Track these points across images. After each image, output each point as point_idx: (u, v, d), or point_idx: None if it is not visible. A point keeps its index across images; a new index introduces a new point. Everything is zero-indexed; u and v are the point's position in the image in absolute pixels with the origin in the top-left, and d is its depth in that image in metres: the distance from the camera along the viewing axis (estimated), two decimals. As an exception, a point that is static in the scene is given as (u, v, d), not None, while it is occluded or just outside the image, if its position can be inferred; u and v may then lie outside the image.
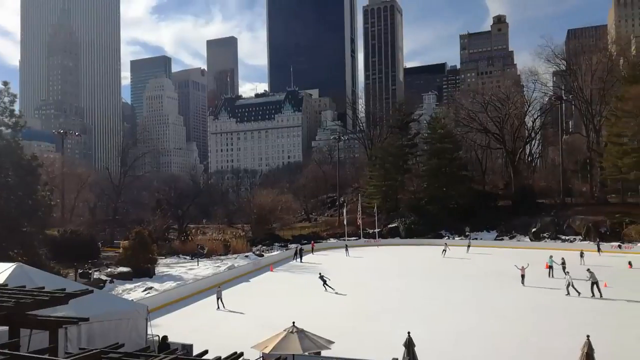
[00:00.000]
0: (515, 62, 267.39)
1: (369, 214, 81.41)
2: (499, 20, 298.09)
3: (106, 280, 40.45)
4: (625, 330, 24.75)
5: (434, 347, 21.92)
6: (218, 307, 31.23)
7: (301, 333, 16.28)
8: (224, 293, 33.11)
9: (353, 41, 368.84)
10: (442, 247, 58.97)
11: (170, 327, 24.15)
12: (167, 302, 32.91)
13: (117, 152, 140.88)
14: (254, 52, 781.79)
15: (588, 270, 33.56)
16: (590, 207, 75.33)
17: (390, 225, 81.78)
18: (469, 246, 61.52)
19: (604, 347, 18.97)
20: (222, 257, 59.07)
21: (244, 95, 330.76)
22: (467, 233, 75.13)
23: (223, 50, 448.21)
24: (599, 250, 54.29)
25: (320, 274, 37.53)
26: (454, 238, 72.82)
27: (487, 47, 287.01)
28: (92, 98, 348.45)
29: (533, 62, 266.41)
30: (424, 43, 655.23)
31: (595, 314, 28.19)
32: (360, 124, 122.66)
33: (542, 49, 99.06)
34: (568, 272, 35.00)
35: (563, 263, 40.89)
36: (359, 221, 76.33)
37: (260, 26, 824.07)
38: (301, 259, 56.43)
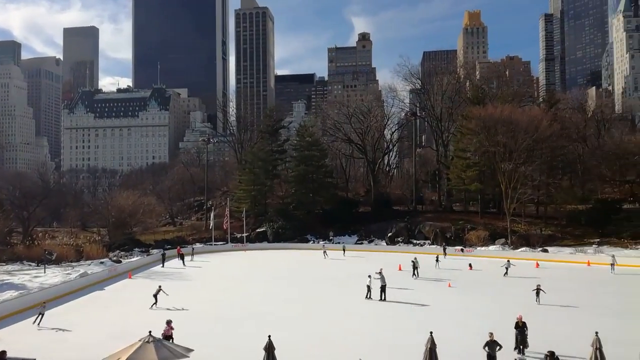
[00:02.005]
0: (377, 78, 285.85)
1: (237, 218, 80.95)
2: (364, 38, 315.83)
3: None
4: (463, 327, 27.68)
5: (294, 350, 22.56)
6: (34, 322, 27.78)
7: (158, 342, 15.64)
8: (75, 303, 30.59)
9: (225, 43, 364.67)
10: (321, 250, 62.83)
11: (10, 341, 21.78)
12: (8, 314, 29.71)
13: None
14: (117, 44, 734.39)
15: (370, 276, 34.96)
16: (438, 214, 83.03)
17: (258, 230, 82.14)
18: (344, 250, 64.15)
19: (445, 342, 21.02)
20: (73, 264, 54.57)
21: (104, 90, 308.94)
22: (330, 237, 78.22)
23: (82, 40, 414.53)
24: (444, 253, 60.03)
25: (159, 287, 33.60)
26: (319, 242, 75.27)
27: (353, 62, 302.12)
28: None
29: (392, 79, 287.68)
30: (294, 52, 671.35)
31: (440, 311, 31.13)
32: (231, 128, 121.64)
33: (401, 67, 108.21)
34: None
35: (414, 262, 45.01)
36: (227, 225, 75.49)
37: (124, 18, 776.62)
38: (163, 264, 54.21)
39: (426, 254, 58.12)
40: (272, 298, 36.23)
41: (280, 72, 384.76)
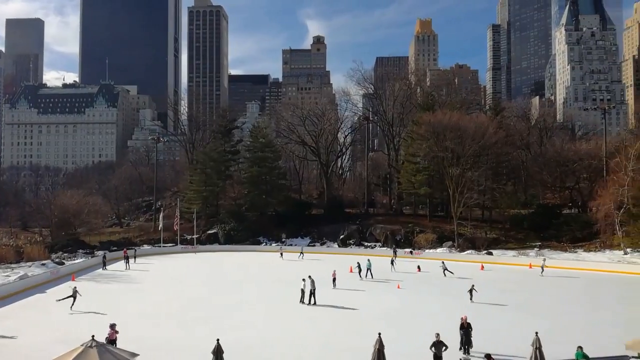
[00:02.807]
0: (331, 82, 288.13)
1: (187, 219, 79.50)
2: (318, 41, 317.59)
3: None
4: (411, 328, 28.36)
5: (243, 352, 22.47)
6: None
7: (101, 347, 15.14)
8: (15, 306, 29.26)
9: (177, 40, 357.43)
10: (278, 252, 63.78)
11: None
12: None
13: None
14: (63, 38, 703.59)
15: (304, 278, 34.74)
16: (389, 217, 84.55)
17: (209, 232, 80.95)
18: (301, 253, 63.93)
19: (393, 343, 21.50)
20: (12, 265, 52.16)
21: (49, 84, 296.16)
22: (283, 239, 78.15)
23: (26, 32, 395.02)
24: (394, 255, 61.11)
25: (74, 288, 32.66)
26: (271, 244, 74.98)
27: (307, 65, 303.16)
28: None
29: (346, 83, 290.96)
30: (249, 52, 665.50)
31: (388, 312, 31.74)
32: (182, 127, 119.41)
33: (354, 72, 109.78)
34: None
35: (358, 266, 45.95)
36: (177, 227, 74.03)
37: (71, 11, 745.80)
38: (104, 267, 52.41)
39: (377, 256, 59.07)
40: (219, 301, 35.83)
41: (234, 71, 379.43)
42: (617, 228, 57.66)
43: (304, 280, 34.38)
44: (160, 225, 74.08)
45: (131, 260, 55.60)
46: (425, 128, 74.53)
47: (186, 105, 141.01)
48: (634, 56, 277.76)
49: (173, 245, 73.75)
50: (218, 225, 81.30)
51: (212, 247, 75.67)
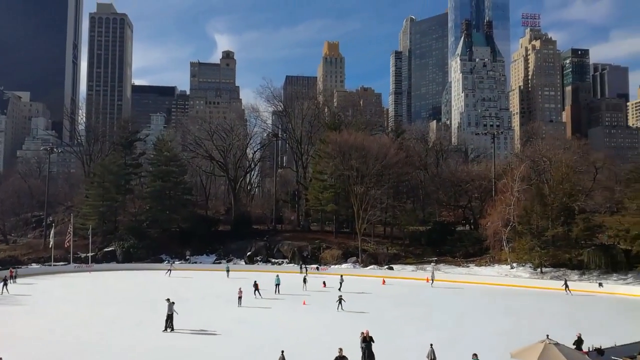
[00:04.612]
0: (240, 97, 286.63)
1: (82, 236, 74.57)
2: (228, 56, 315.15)
3: None
4: (314, 343, 28.79)
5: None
6: None
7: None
8: None
9: (76, 47, 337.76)
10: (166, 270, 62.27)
11: None
12: None
13: None
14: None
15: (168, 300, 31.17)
16: (297, 233, 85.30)
17: (106, 249, 76.41)
18: (228, 270, 62.16)
19: (297, 359, 21.73)
20: None
21: None
22: (187, 257, 75.88)
23: None
24: (301, 271, 61.77)
25: None
26: (174, 262, 72.34)
27: (216, 79, 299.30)
28: None
29: (256, 99, 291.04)
30: (155, 62, 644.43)
31: (293, 328, 31.98)
32: (79, 137, 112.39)
33: (264, 89, 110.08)
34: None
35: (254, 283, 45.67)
36: (68, 243, 69.09)
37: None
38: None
39: (285, 273, 59.17)
40: (117, 322, 33.92)
41: (138, 82, 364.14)
42: (504, 244, 62.70)
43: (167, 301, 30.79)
44: (51, 243, 68.87)
45: (10, 282, 50.35)
46: (332, 147, 76.60)
47: (84, 114, 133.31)
48: (519, 87, 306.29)
49: (65, 264, 68.79)
50: (116, 242, 77.08)
51: (110, 265, 71.59)
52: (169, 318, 30.05)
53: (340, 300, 37.53)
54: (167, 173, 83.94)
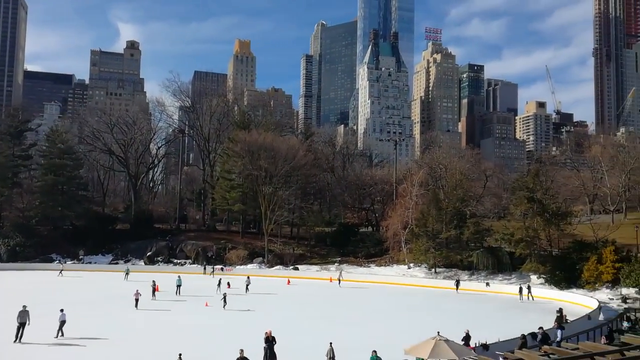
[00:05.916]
0: (145, 90, 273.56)
1: (-43, 233, 67.49)
2: (132, 46, 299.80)
3: None
4: (216, 345, 28.42)
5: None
6: None
7: None
8: None
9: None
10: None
11: None
12: None
13: None
14: None
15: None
16: (202, 233, 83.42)
17: (-14, 248, 69.80)
18: (127, 272, 58.06)
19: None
20: None
21: None
22: (80, 257, 71.46)
23: None
24: (204, 272, 60.60)
25: None
26: (66, 262, 67.62)
27: (119, 69, 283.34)
28: None
29: (161, 93, 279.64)
30: (51, 48, 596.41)
31: (194, 330, 31.31)
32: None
33: (170, 83, 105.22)
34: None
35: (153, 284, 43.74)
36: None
37: None
38: None
39: (187, 274, 57.66)
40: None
41: (31, 67, 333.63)
42: (403, 245, 65.92)
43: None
44: None
45: None
46: (241, 146, 75.99)
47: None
48: (421, 97, 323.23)
49: None
50: (0, 240, 70.76)
51: (-9, 265, 65.34)
52: (21, 327, 26.75)
53: (224, 298, 38.62)
54: (61, 166, 78.61)
